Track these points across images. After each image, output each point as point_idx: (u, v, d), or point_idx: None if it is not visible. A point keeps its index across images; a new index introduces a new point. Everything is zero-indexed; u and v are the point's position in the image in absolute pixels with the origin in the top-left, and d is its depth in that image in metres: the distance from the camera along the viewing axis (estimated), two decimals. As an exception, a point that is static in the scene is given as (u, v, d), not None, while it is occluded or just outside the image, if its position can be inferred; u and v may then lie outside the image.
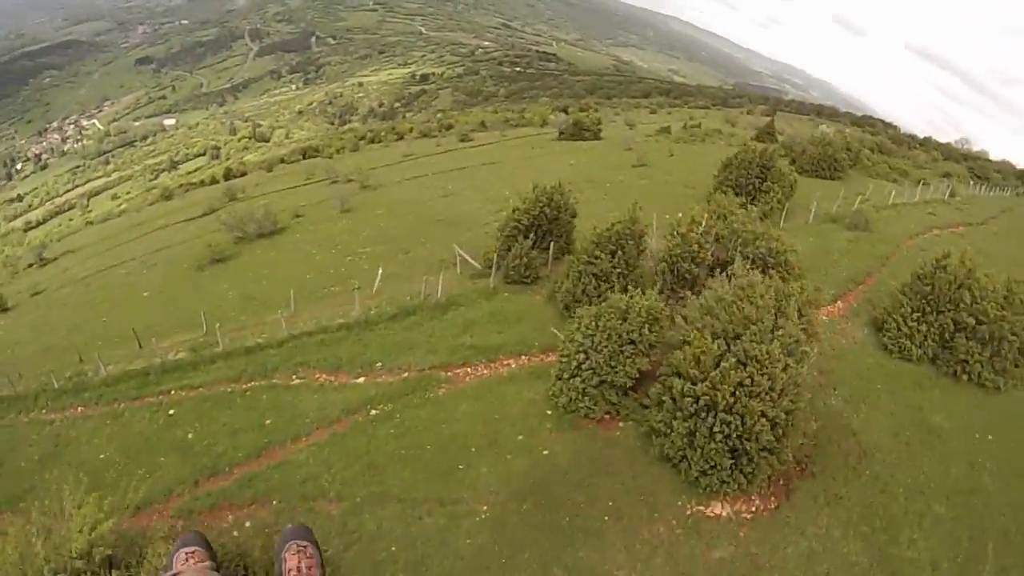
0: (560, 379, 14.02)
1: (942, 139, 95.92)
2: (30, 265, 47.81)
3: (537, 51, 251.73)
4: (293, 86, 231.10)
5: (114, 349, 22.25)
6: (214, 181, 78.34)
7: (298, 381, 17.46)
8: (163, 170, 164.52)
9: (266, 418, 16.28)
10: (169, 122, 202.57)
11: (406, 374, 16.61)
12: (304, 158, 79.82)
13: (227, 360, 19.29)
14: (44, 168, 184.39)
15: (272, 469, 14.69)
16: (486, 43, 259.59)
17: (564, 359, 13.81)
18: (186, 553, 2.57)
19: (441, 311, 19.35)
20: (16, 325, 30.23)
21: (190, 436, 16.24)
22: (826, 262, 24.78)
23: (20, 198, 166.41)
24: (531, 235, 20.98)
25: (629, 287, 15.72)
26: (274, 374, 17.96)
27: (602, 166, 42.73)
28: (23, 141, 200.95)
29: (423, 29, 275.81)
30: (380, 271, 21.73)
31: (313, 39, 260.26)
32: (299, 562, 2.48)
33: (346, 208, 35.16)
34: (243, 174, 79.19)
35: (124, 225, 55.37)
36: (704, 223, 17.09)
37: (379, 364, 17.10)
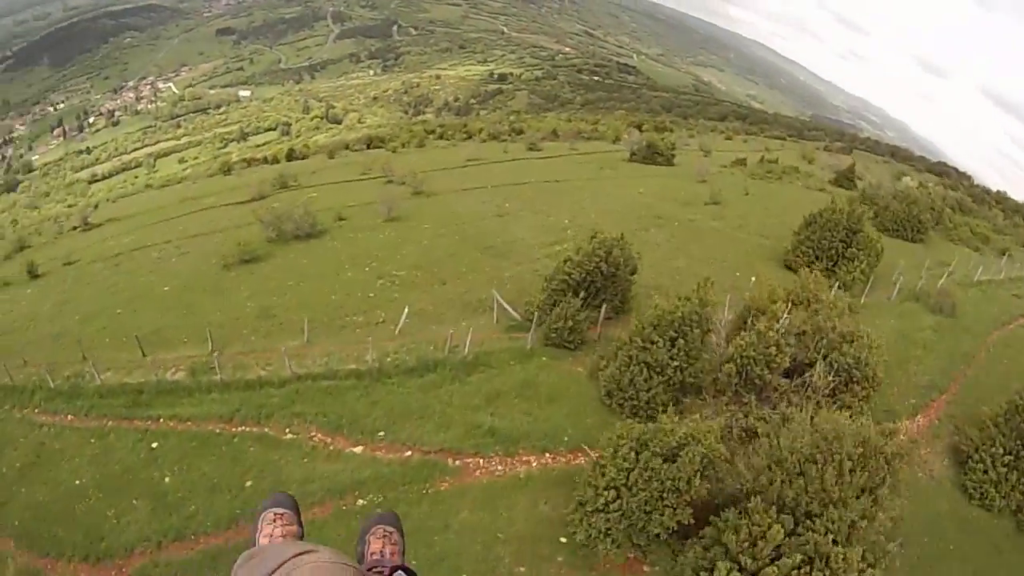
0: (582, 506, 11.29)
1: (1015, 193, 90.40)
2: (75, 228, 47.66)
3: (617, 62, 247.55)
4: (371, 71, 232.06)
5: (118, 350, 21.02)
6: (276, 160, 78.27)
7: (291, 436, 15.35)
8: (233, 140, 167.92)
9: (247, 479, 14.46)
10: (244, 93, 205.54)
11: (409, 453, 14.18)
12: (368, 148, 78.86)
13: (223, 392, 17.57)
14: (116, 124, 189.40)
15: (239, 548, 12.58)
16: (567, 49, 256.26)
17: (590, 487, 11.09)
18: (274, 514, 2.40)
19: (465, 372, 16.80)
20: (40, 297, 29.37)
21: (167, 480, 14.78)
22: (908, 359, 21.81)
23: (89, 151, 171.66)
24: (582, 292, 18.30)
25: (687, 385, 13.06)
26: (268, 422, 15.98)
27: (673, 199, 39.54)
28: (98, 96, 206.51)
29: (505, 29, 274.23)
30: (406, 310, 19.36)
31: (395, 27, 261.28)
32: (383, 547, 2.37)
33: (392, 216, 32.92)
34: (305, 156, 78.86)
35: (175, 198, 54.79)
36: (785, 316, 14.16)
37: (382, 434, 14.71)
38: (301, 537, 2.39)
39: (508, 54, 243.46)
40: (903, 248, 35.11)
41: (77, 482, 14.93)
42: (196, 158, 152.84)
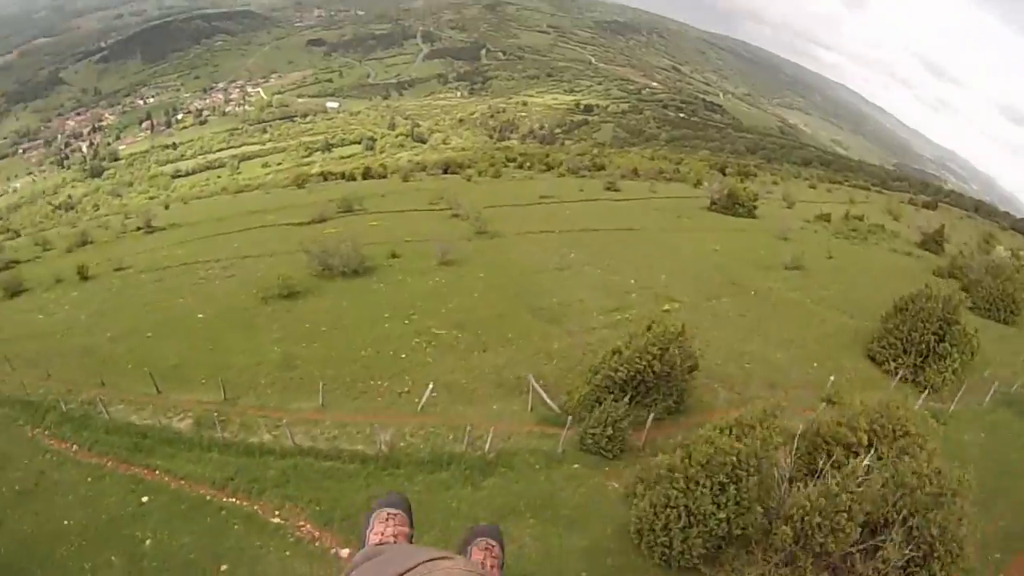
0: None
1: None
2: (138, 229, 48.75)
3: (704, 100, 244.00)
4: (458, 93, 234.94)
5: (136, 381, 20.66)
6: (352, 177, 79.27)
7: (278, 521, 13.92)
8: (317, 149, 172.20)
9: (224, 562, 13.14)
10: (332, 105, 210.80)
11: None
12: (445, 173, 78.92)
13: (223, 453, 16.67)
14: (203, 124, 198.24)
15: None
16: (654, 84, 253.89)
17: None
18: (388, 513, 2.34)
19: (482, 474, 14.78)
20: (84, 303, 29.71)
21: (147, 544, 13.87)
22: (997, 493, 18.13)
23: (175, 146, 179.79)
24: (629, 391, 16.17)
25: (732, 535, 10.79)
26: (259, 498, 14.56)
27: (751, 261, 36.35)
28: (187, 95, 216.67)
29: (593, 59, 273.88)
30: (431, 387, 17.59)
31: (484, 51, 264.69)
32: (484, 559, 2.33)
33: (446, 259, 31.26)
34: (383, 176, 79.37)
35: (241, 209, 55.29)
36: (865, 463, 11.67)
37: (373, 541, 12.98)
38: (411, 539, 2.29)
39: (595, 85, 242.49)
40: (994, 332, 30.88)
41: (65, 522, 14.46)
42: (280, 164, 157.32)
